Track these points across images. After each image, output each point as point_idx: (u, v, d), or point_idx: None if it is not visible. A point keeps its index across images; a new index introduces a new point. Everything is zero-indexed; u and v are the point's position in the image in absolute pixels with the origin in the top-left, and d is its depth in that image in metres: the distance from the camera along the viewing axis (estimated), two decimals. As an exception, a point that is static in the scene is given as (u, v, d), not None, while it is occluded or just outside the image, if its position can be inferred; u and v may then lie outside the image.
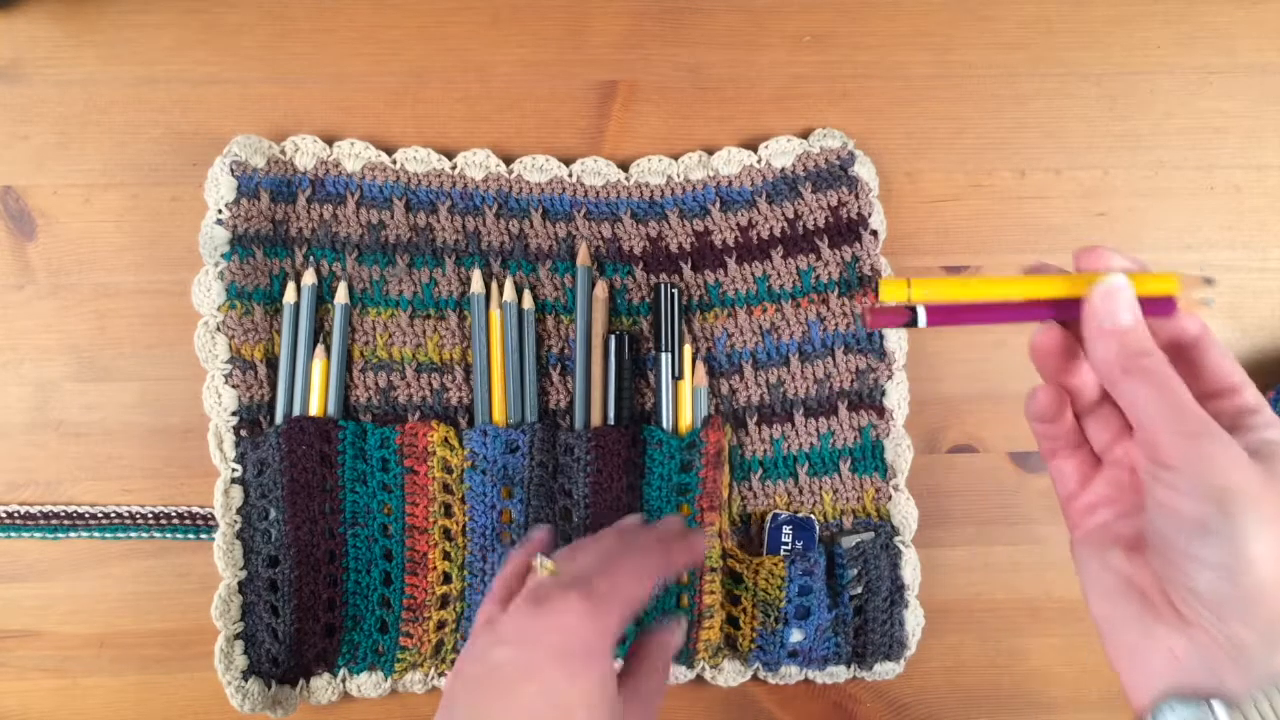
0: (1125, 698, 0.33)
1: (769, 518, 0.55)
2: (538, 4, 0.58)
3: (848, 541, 0.54)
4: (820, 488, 0.55)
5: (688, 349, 0.56)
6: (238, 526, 0.53)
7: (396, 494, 0.54)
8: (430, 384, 0.55)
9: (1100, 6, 0.59)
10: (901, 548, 0.55)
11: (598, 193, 0.56)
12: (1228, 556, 0.29)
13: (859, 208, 0.56)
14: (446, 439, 0.54)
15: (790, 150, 0.56)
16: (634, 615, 0.40)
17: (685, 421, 0.55)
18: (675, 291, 0.55)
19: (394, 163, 0.56)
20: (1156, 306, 0.34)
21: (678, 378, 0.55)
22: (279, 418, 0.54)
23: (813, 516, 0.55)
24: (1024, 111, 0.59)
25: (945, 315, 0.35)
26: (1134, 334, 0.33)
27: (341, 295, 0.54)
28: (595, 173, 0.56)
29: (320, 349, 0.54)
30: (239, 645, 0.53)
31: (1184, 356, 0.35)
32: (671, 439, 0.54)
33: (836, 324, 0.56)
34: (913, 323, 0.35)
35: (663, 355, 0.55)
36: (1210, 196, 0.59)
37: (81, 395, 0.55)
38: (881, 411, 0.56)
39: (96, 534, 0.55)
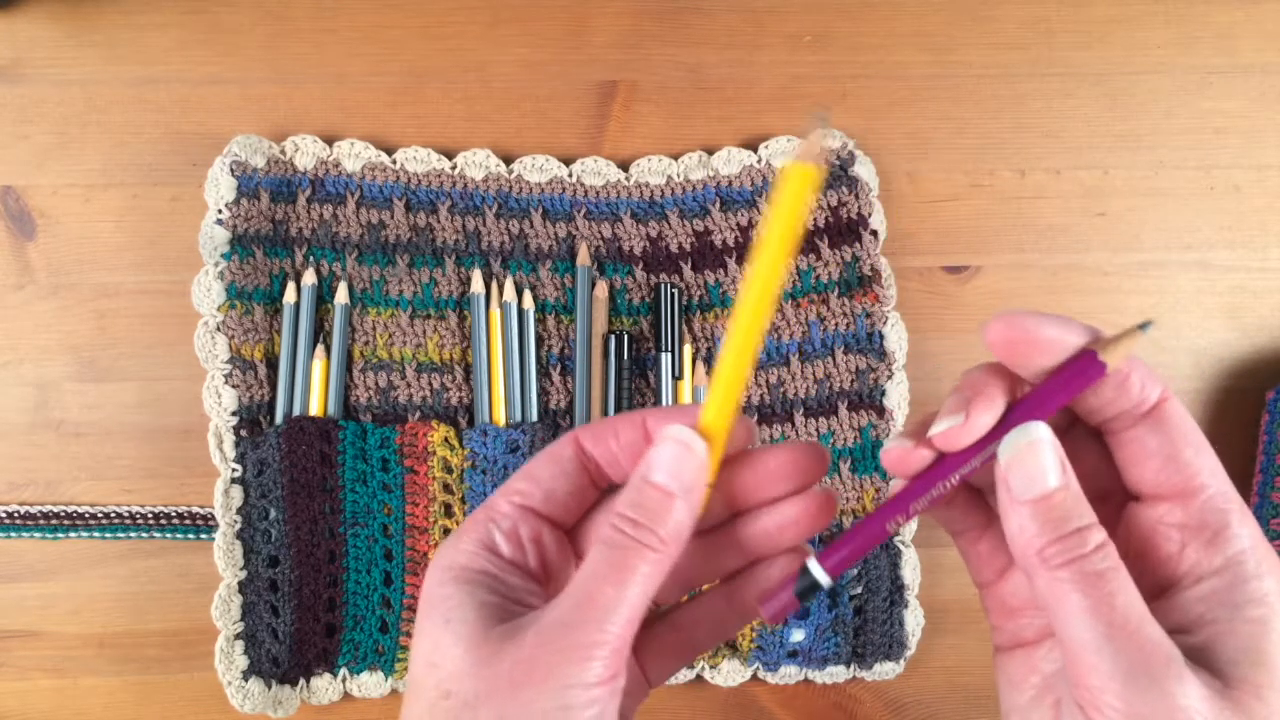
0: None
1: (769, 518, 0.55)
2: (538, 4, 0.58)
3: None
4: (820, 488, 0.55)
5: (688, 349, 0.56)
6: (238, 526, 0.53)
7: (397, 494, 0.54)
8: (430, 384, 0.55)
9: (1100, 6, 0.59)
10: (901, 548, 0.55)
11: (598, 193, 0.56)
12: None
13: (859, 208, 0.56)
14: (447, 439, 0.54)
15: (790, 150, 0.56)
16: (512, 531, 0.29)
17: (685, 421, 0.55)
18: (675, 291, 0.55)
19: (394, 163, 0.56)
20: (1077, 372, 0.26)
21: (678, 378, 0.55)
22: (279, 418, 0.54)
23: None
24: (1024, 111, 0.59)
25: (846, 553, 0.28)
26: (1060, 502, 0.25)
27: (341, 295, 0.54)
28: (595, 173, 0.56)
29: (320, 349, 0.54)
30: (239, 645, 0.53)
31: (1131, 435, 0.26)
32: (671, 439, 0.54)
33: (836, 324, 0.56)
34: (814, 591, 0.28)
35: (663, 355, 0.55)
36: (1210, 196, 0.59)
37: (81, 395, 0.55)
38: (881, 411, 0.56)
39: (96, 534, 0.55)
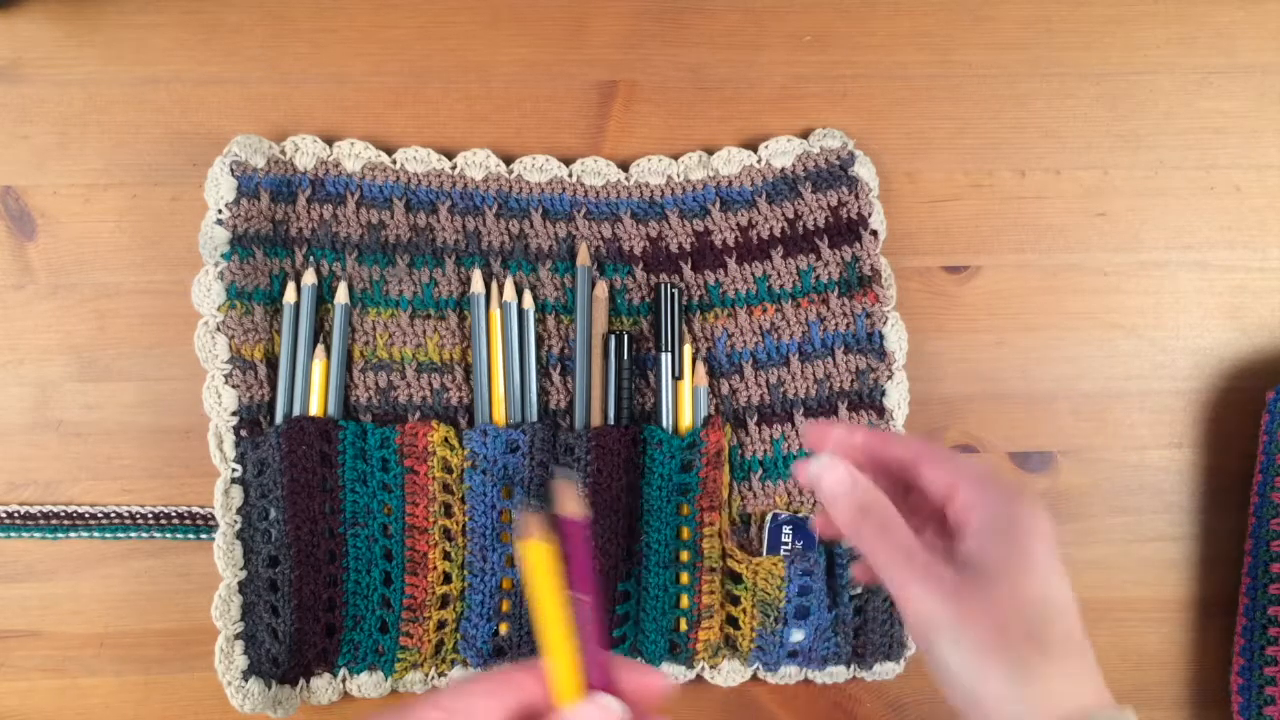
0: None
1: (769, 518, 0.55)
2: (538, 4, 0.58)
3: (848, 542, 0.54)
4: (820, 488, 0.55)
5: (688, 349, 0.56)
6: (238, 526, 0.53)
7: (396, 494, 0.54)
8: (430, 384, 0.55)
9: (1100, 6, 0.59)
10: (901, 548, 0.55)
11: (598, 193, 0.56)
12: (942, 673, 0.36)
13: (859, 208, 0.56)
14: (447, 439, 0.54)
15: (790, 150, 0.56)
16: None
17: (685, 421, 0.55)
18: (675, 291, 0.55)
19: (394, 163, 0.56)
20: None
21: (678, 378, 0.55)
22: (279, 418, 0.54)
23: (812, 516, 0.55)
24: (1024, 111, 0.59)
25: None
26: (854, 496, 0.38)
27: (341, 295, 0.54)
28: (595, 173, 0.56)
29: (320, 349, 0.54)
30: (239, 645, 0.53)
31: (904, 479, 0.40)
32: (672, 439, 0.54)
33: (836, 324, 0.56)
34: None
35: (663, 355, 0.55)
36: (1210, 196, 0.59)
37: (81, 395, 0.55)
38: (881, 411, 0.56)
39: (96, 534, 0.55)
